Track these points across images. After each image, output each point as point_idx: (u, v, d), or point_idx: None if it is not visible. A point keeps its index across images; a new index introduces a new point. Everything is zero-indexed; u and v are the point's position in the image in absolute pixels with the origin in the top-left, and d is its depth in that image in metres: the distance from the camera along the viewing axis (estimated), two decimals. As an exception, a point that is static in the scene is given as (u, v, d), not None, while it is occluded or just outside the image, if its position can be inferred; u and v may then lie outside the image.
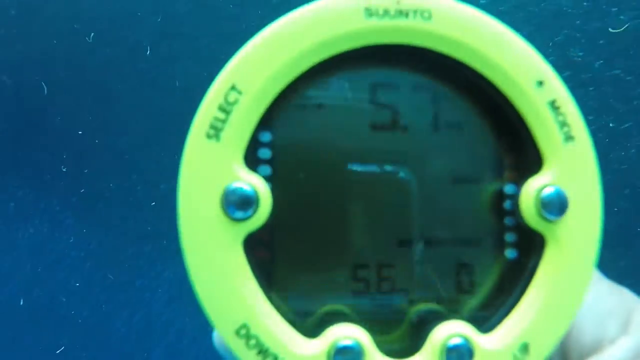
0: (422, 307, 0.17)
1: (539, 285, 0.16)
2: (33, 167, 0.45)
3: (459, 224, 0.17)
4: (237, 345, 0.15)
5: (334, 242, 0.16)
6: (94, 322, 0.43)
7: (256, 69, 0.15)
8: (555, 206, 0.15)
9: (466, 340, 0.15)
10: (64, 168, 0.43)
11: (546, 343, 0.16)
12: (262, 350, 0.15)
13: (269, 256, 0.16)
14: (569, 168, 0.16)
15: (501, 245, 0.17)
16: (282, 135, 0.16)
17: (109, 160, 0.43)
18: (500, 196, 0.17)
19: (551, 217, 0.16)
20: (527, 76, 0.16)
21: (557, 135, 0.16)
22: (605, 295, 0.19)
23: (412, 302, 0.17)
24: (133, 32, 0.44)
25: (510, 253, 0.17)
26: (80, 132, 0.44)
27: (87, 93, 0.44)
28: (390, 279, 0.16)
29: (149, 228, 0.43)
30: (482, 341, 0.15)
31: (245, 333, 0.15)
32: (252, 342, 0.15)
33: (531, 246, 0.16)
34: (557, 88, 0.16)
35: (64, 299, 0.43)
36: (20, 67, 0.45)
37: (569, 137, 0.16)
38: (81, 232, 0.43)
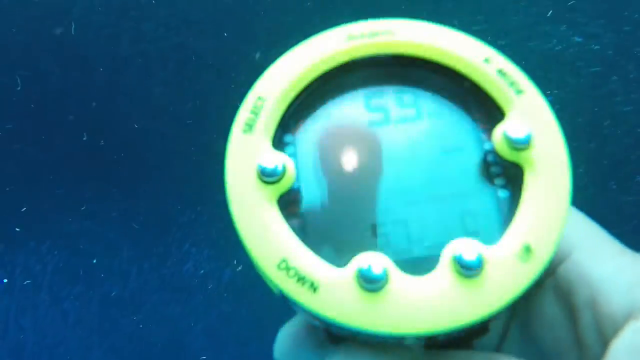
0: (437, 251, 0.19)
1: (528, 201, 0.19)
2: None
3: (455, 182, 0.20)
4: (279, 277, 0.18)
5: (353, 205, 0.20)
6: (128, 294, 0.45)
7: (272, 84, 0.21)
8: (521, 137, 0.20)
9: (475, 251, 0.18)
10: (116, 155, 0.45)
11: (546, 243, 0.18)
12: (300, 278, 0.18)
13: (299, 217, 0.20)
14: (525, 111, 0.20)
15: (493, 189, 0.20)
16: (300, 133, 0.21)
17: (150, 142, 0.46)
18: (483, 153, 0.21)
19: (520, 146, 0.19)
20: (475, 55, 0.21)
21: (509, 91, 0.21)
22: (629, 265, 0.20)
23: (427, 249, 0.19)
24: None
25: (502, 193, 0.20)
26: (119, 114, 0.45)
27: (124, 72, 0.46)
28: (405, 232, 0.20)
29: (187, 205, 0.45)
30: (489, 251, 0.18)
31: (285, 266, 0.18)
32: (292, 272, 0.18)
33: (516, 181, 0.20)
34: (501, 61, 0.21)
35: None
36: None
37: (519, 91, 0.21)
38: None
